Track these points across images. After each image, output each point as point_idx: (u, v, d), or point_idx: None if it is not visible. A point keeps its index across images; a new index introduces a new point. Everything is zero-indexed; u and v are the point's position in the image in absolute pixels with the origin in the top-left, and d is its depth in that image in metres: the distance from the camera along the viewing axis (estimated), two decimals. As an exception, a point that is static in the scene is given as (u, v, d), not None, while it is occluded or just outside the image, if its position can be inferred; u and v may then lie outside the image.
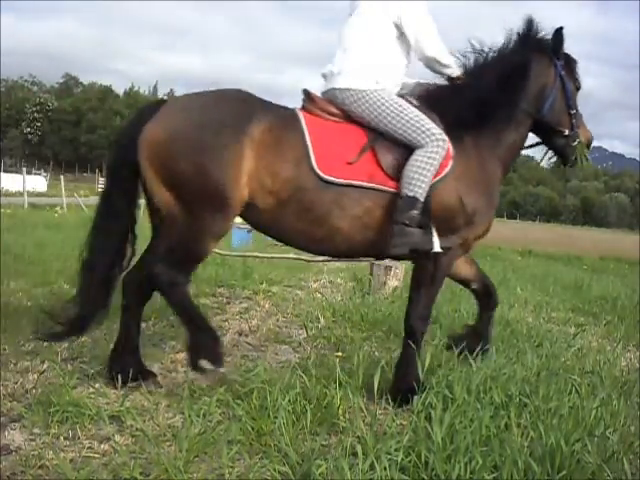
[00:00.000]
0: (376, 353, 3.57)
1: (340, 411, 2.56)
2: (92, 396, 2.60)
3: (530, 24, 3.01)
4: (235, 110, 2.66)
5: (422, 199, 2.65)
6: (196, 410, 2.40)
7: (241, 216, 2.80)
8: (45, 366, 2.92)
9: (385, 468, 1.96)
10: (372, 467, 1.99)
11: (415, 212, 2.64)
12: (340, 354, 3.39)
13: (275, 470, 2.03)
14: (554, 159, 3.31)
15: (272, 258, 7.01)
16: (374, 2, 2.84)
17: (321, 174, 2.63)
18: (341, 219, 2.69)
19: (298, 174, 2.62)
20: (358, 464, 1.99)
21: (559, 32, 2.98)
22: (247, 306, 5.16)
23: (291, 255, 7.54)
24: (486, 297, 3.28)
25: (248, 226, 10.33)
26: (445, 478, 1.97)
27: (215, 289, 5.73)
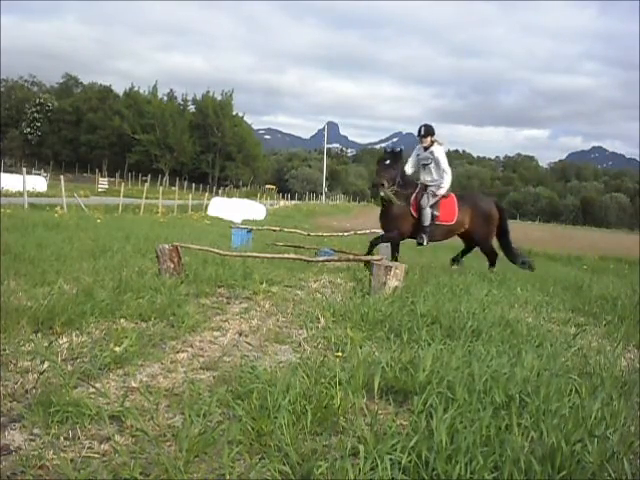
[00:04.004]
0: (376, 353, 3.56)
1: (340, 411, 2.56)
2: (92, 396, 2.60)
3: None
4: None
5: None
6: (196, 410, 2.40)
7: None
8: (45, 366, 2.92)
9: (386, 468, 1.96)
10: (373, 467, 1.99)
11: None
12: (340, 354, 3.38)
13: (276, 470, 2.02)
14: None
15: (272, 258, 7.00)
16: None
17: None
18: None
19: None
20: (359, 464, 1.99)
21: None
22: (247, 306, 5.16)
23: (291, 255, 7.55)
24: None
25: (248, 226, 10.29)
26: (446, 478, 1.97)
27: (215, 289, 5.72)
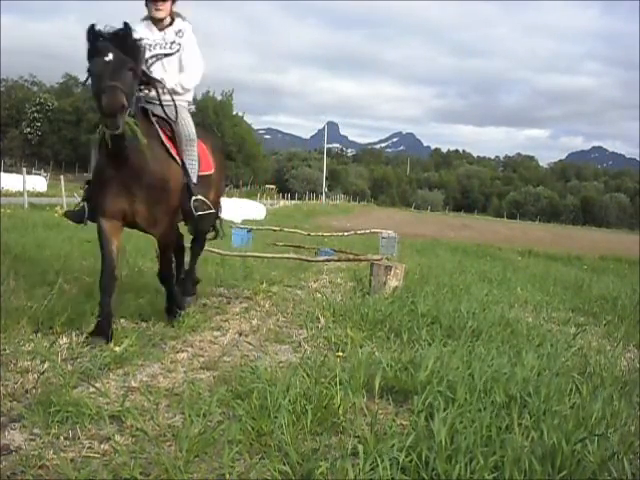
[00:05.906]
0: (376, 353, 3.56)
1: (340, 411, 2.56)
2: (92, 396, 2.59)
3: None
4: None
5: None
6: (196, 410, 2.40)
7: None
8: (45, 366, 2.92)
9: (386, 468, 1.96)
10: (373, 467, 1.98)
11: None
12: (340, 354, 3.38)
13: (276, 470, 2.02)
14: None
15: (272, 258, 7.00)
16: None
17: None
18: None
19: None
20: (359, 464, 1.99)
21: None
22: (247, 306, 5.16)
23: (291, 255, 7.55)
24: None
25: (248, 226, 10.33)
26: (446, 478, 1.97)
27: (215, 289, 5.72)
